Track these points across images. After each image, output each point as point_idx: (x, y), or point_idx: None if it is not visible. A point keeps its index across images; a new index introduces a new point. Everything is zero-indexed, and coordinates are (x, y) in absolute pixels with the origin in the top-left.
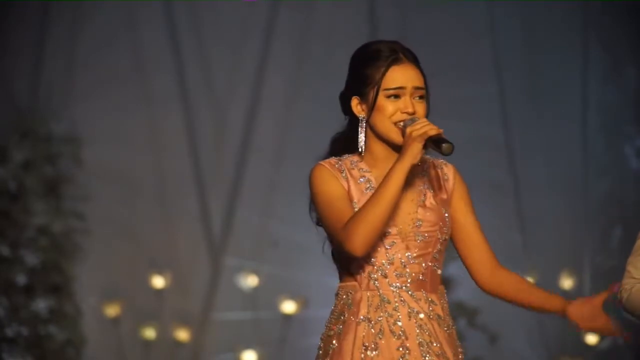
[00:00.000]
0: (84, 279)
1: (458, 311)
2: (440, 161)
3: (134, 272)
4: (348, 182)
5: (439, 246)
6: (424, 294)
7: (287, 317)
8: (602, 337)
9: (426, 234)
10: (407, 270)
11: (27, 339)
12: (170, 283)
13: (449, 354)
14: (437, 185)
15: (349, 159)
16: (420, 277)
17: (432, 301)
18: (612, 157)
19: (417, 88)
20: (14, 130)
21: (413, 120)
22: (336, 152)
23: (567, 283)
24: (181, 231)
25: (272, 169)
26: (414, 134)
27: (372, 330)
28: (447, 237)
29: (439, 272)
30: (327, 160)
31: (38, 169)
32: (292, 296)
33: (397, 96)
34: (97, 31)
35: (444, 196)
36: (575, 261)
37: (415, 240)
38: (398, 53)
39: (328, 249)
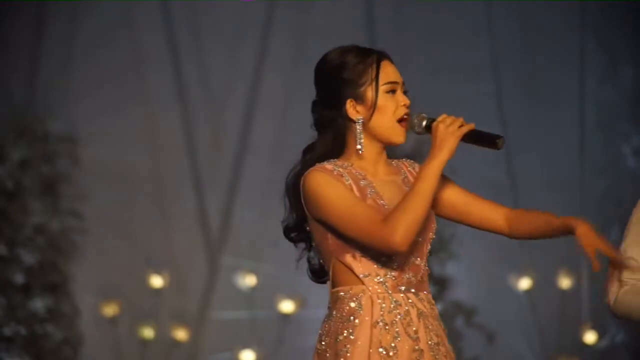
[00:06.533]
0: (82, 278)
1: (456, 311)
2: (405, 160)
3: (132, 271)
4: (352, 185)
5: (429, 245)
6: (425, 295)
7: (285, 317)
8: (600, 336)
9: (422, 235)
10: (412, 272)
11: (24, 338)
12: (168, 282)
13: (451, 352)
14: None
15: (338, 163)
16: (420, 278)
17: (430, 301)
18: (609, 156)
19: (403, 82)
20: (10, 129)
21: (419, 116)
22: (310, 162)
23: (565, 282)
24: (179, 230)
25: (269, 169)
26: (451, 129)
27: (389, 333)
28: (434, 236)
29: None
30: (320, 166)
31: (35, 167)
32: (290, 296)
33: (393, 91)
34: (94, 30)
35: None
36: (572, 260)
37: (416, 242)
38: (377, 50)
39: (302, 264)
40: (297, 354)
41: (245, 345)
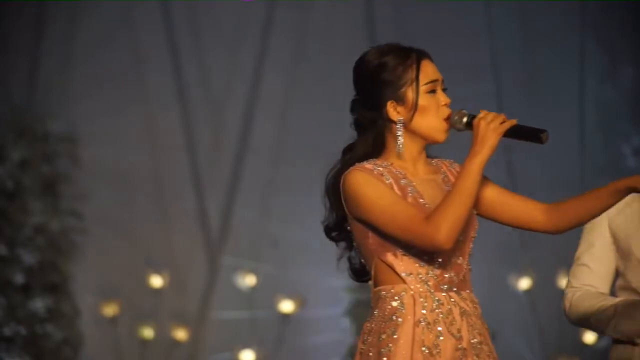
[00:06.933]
0: (82, 278)
1: None
2: (445, 160)
3: (132, 271)
4: (392, 184)
5: (471, 244)
6: (468, 293)
7: (285, 317)
8: (600, 336)
9: (464, 234)
10: (454, 271)
11: (24, 338)
12: (168, 282)
13: (494, 352)
14: None
15: (378, 162)
16: (462, 277)
17: (473, 300)
18: (609, 156)
19: (443, 80)
20: (10, 129)
21: (459, 112)
22: (350, 162)
23: (565, 282)
24: (179, 231)
25: (269, 169)
26: (492, 126)
27: (431, 332)
28: (476, 235)
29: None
30: (360, 165)
31: (35, 167)
32: (290, 296)
33: (434, 91)
34: (94, 30)
35: None
36: (572, 260)
37: (458, 241)
38: (416, 49)
39: (344, 264)
40: (297, 354)
41: (245, 345)
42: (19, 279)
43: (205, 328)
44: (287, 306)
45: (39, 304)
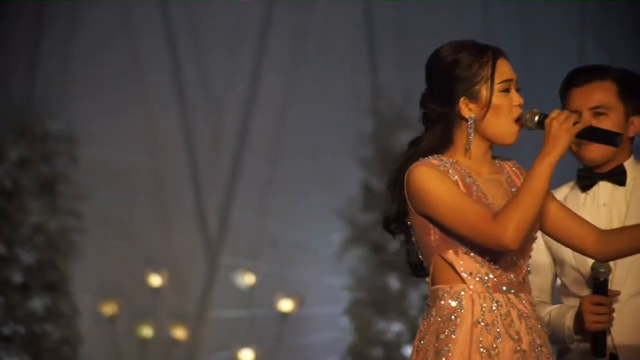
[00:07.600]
0: (80, 278)
1: None
2: (509, 161)
3: (131, 270)
4: (458, 182)
5: (532, 246)
6: (526, 295)
7: (284, 316)
8: None
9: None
10: (514, 272)
11: (23, 337)
12: (167, 281)
13: (552, 354)
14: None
15: (443, 159)
16: (522, 279)
17: (530, 302)
18: None
19: (517, 80)
20: (10, 129)
21: (531, 111)
22: (415, 156)
23: None
24: (178, 230)
25: (268, 168)
26: (565, 126)
27: (490, 333)
28: (536, 236)
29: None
30: (426, 160)
31: (34, 167)
32: (289, 294)
33: (508, 90)
34: (93, 30)
35: None
36: None
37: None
38: (492, 47)
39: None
40: (296, 353)
41: (244, 344)
42: (18, 278)
43: (204, 327)
44: (285, 305)
45: (37, 303)
